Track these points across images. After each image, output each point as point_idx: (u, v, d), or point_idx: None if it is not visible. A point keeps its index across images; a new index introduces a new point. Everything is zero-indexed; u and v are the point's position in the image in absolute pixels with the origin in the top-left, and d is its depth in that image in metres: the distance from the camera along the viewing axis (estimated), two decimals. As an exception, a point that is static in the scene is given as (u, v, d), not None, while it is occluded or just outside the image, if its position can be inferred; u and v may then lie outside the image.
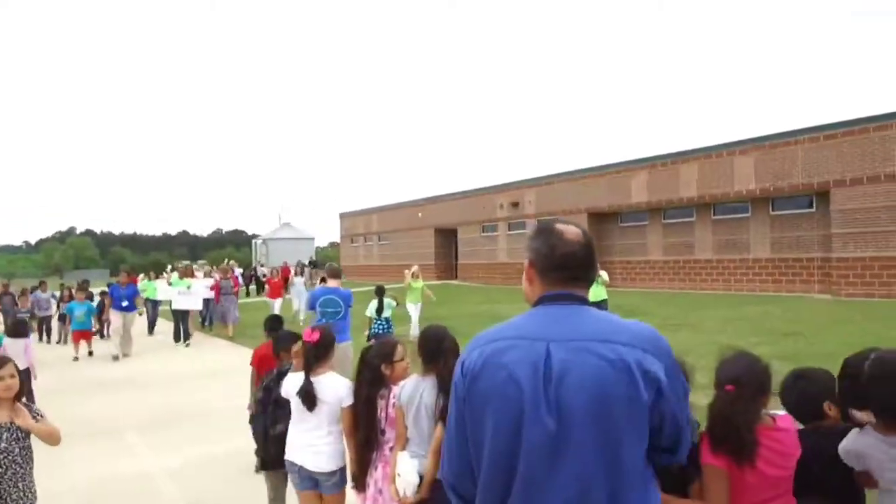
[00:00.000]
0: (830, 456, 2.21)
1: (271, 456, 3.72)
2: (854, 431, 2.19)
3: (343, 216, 45.72)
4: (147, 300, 15.93)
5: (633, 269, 25.03)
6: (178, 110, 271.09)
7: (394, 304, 10.63)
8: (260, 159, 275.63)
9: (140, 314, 13.43)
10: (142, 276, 19.82)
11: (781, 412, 2.27)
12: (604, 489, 1.45)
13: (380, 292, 10.27)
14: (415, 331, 11.82)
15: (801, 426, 2.33)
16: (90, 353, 12.58)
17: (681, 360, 2.44)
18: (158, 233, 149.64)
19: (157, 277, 17.95)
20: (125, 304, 12.68)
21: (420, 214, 36.34)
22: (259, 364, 5.03)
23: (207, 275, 19.49)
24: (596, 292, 11.68)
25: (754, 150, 20.11)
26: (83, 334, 12.71)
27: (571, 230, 1.66)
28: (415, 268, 13.42)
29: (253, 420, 4.16)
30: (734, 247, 21.52)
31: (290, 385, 3.46)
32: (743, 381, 2.11)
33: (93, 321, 13.46)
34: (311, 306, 7.18)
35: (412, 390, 3.07)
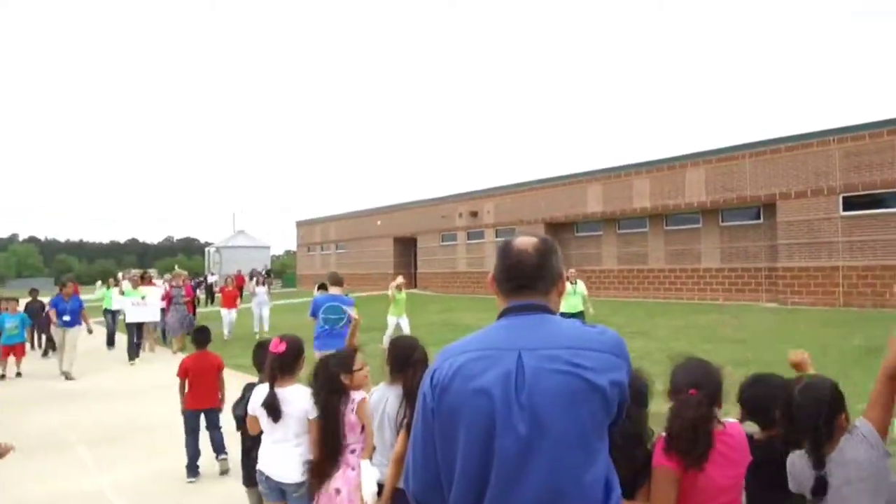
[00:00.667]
0: (779, 465, 2.29)
1: (250, 476, 3.72)
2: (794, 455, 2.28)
3: (300, 224, 45.22)
4: (105, 311, 15.03)
5: (589, 277, 25.39)
6: (128, 115, 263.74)
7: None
8: (214, 166, 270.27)
9: (90, 332, 11.97)
10: (99, 283, 18.99)
11: (731, 419, 2.33)
12: (572, 490, 1.47)
13: (323, 287, 11.02)
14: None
15: (755, 431, 2.43)
16: (18, 374, 11.21)
17: (640, 370, 2.52)
18: (106, 240, 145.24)
19: (116, 285, 16.51)
20: (66, 318, 11.38)
21: (379, 223, 36.22)
22: (184, 375, 5.22)
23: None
24: (572, 303, 11.56)
25: (705, 164, 20.78)
26: (13, 349, 11.33)
27: (523, 241, 1.68)
28: (399, 280, 12.91)
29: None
30: (685, 256, 22.13)
31: (256, 397, 3.42)
32: (703, 385, 2.18)
33: (26, 334, 12.07)
34: (314, 313, 7.33)
35: (377, 399, 3.08)
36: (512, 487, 1.47)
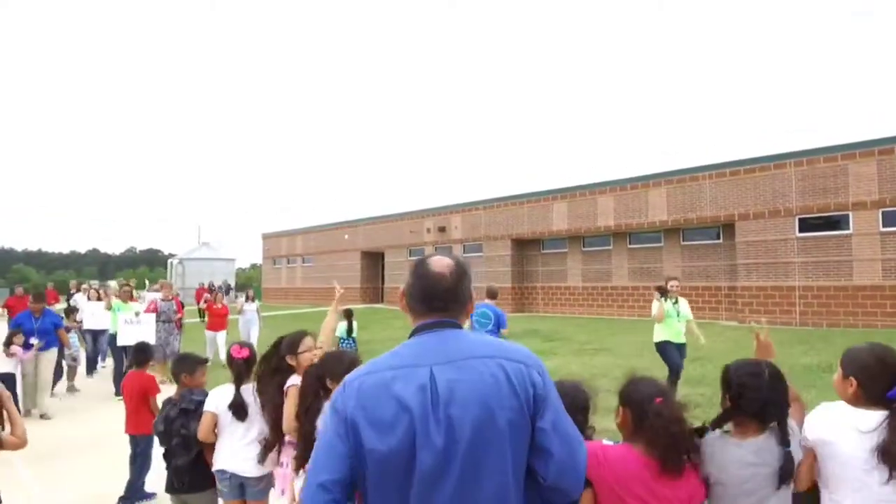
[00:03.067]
0: None
1: (180, 484, 3.80)
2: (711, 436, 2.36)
3: (266, 237, 44.70)
4: (84, 331, 12.43)
5: (554, 294, 25.68)
6: (91, 122, 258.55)
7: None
8: (179, 176, 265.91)
9: (70, 361, 9.97)
10: (75, 293, 16.80)
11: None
12: (485, 497, 1.51)
13: (349, 315, 11.27)
14: None
15: None
16: None
17: (581, 384, 2.56)
18: (66, 250, 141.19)
19: (98, 298, 13.77)
20: (34, 341, 8.62)
21: (346, 237, 36.02)
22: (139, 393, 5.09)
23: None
24: (675, 329, 8.92)
25: (667, 184, 21.22)
26: None
27: (440, 262, 1.73)
28: None
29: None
30: (648, 274, 22.48)
31: (219, 399, 3.64)
32: (668, 397, 2.29)
33: None
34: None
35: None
36: (431, 496, 1.50)
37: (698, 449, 2.28)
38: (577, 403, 2.37)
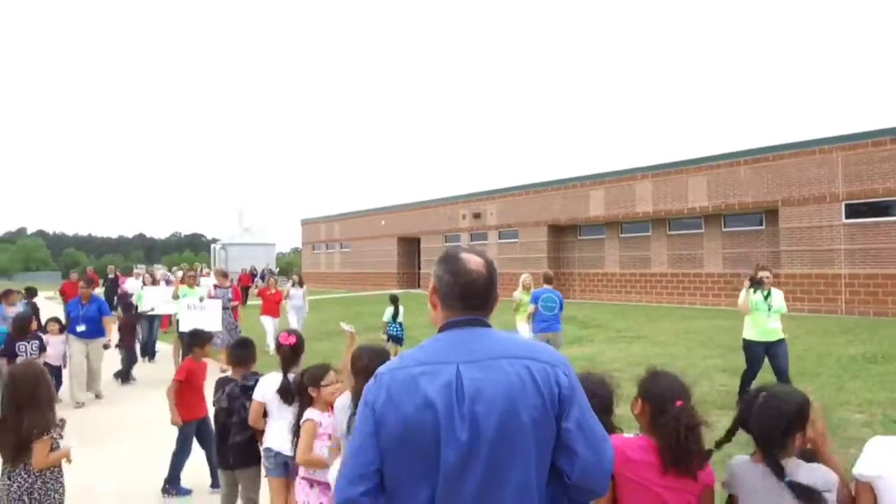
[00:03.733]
0: None
1: (235, 459, 4.08)
2: (737, 457, 2.35)
3: (305, 223, 45.36)
4: (142, 317, 12.22)
5: (591, 281, 25.51)
6: (135, 111, 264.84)
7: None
8: (221, 163, 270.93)
9: (106, 347, 9.19)
10: (133, 278, 16.22)
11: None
12: (507, 494, 1.55)
13: (395, 300, 11.45)
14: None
15: None
16: None
17: (605, 379, 2.61)
18: (114, 235, 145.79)
19: (153, 282, 13.79)
20: (81, 328, 8.65)
21: (383, 222, 36.33)
22: (188, 378, 5.03)
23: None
24: (768, 327, 7.75)
25: (707, 169, 20.79)
26: None
27: (474, 259, 1.74)
28: (525, 276, 10.59)
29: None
30: (688, 261, 22.15)
31: (266, 387, 3.84)
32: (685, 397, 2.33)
33: None
34: (534, 301, 9.35)
35: (341, 405, 3.24)
36: (454, 494, 1.54)
37: (708, 455, 2.29)
38: (604, 404, 2.42)
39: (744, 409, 2.31)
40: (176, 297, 11.22)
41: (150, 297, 12.42)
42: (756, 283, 7.58)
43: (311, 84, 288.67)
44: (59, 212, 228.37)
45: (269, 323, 12.80)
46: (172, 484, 5.19)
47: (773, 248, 19.64)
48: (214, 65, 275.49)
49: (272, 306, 12.97)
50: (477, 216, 29.76)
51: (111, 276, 20.20)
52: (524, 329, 10.11)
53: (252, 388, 3.98)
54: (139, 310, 12.25)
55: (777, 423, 2.18)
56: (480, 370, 1.58)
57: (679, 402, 2.28)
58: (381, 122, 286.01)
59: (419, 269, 34.53)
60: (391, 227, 35.78)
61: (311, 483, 3.34)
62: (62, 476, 3.40)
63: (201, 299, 10.75)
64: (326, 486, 3.30)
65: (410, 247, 35.42)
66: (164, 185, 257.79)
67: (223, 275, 12.65)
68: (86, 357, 8.79)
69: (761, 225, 20.24)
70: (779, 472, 2.14)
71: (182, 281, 12.00)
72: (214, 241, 68.08)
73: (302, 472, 3.39)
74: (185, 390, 5.01)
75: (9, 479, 3.22)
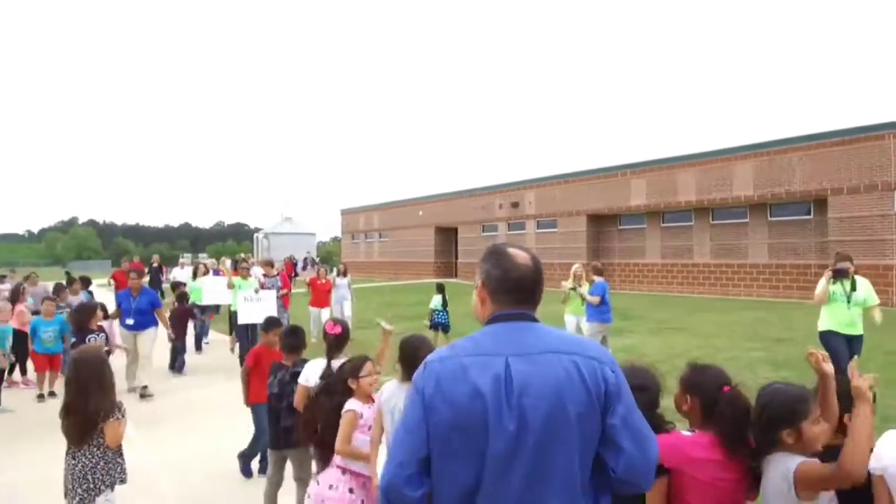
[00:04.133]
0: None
1: (285, 441, 4.24)
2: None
3: (344, 212, 45.88)
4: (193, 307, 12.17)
5: (632, 271, 25.19)
6: (182, 103, 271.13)
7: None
8: (263, 154, 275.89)
9: (172, 340, 9.51)
10: (181, 268, 17.38)
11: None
12: (554, 484, 1.59)
13: (441, 289, 11.83)
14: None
15: None
16: (52, 394, 8.43)
17: (651, 372, 2.62)
18: (161, 224, 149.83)
19: (206, 272, 13.60)
20: (129, 321, 8.67)
21: (421, 212, 36.50)
22: (257, 364, 5.12)
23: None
24: (848, 317, 7.47)
25: (753, 157, 20.26)
26: (51, 361, 8.63)
27: (522, 255, 1.80)
28: (577, 266, 10.04)
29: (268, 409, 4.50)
30: (732, 252, 21.67)
31: (310, 373, 3.99)
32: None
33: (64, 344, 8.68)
34: (601, 292, 9.34)
35: (387, 396, 3.31)
36: (502, 483, 1.59)
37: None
38: (652, 399, 2.43)
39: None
40: (231, 286, 11.11)
41: (208, 289, 12.39)
42: (840, 274, 7.16)
43: (352, 76, 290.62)
44: (110, 202, 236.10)
45: (317, 313, 12.54)
46: (244, 460, 5.45)
47: (821, 238, 19.07)
48: (260, 60, 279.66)
49: (322, 296, 12.74)
50: (515, 205, 29.64)
51: (155, 265, 20.60)
52: (571, 322, 9.89)
53: (300, 371, 4.18)
54: (198, 302, 12.26)
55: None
56: (529, 363, 1.62)
57: (727, 388, 2.32)
58: (421, 112, 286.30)
59: (456, 258, 34.61)
60: (429, 217, 35.92)
61: (344, 470, 3.39)
62: (122, 455, 3.57)
63: (256, 291, 10.59)
64: (358, 475, 3.36)
65: (447, 236, 35.51)
66: (209, 175, 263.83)
67: (269, 264, 12.38)
68: (133, 347, 8.69)
69: (809, 214, 19.65)
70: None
71: (235, 272, 11.86)
72: (257, 230, 69.50)
73: (338, 460, 3.42)
74: (254, 375, 5.14)
75: (73, 458, 3.40)
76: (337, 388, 3.59)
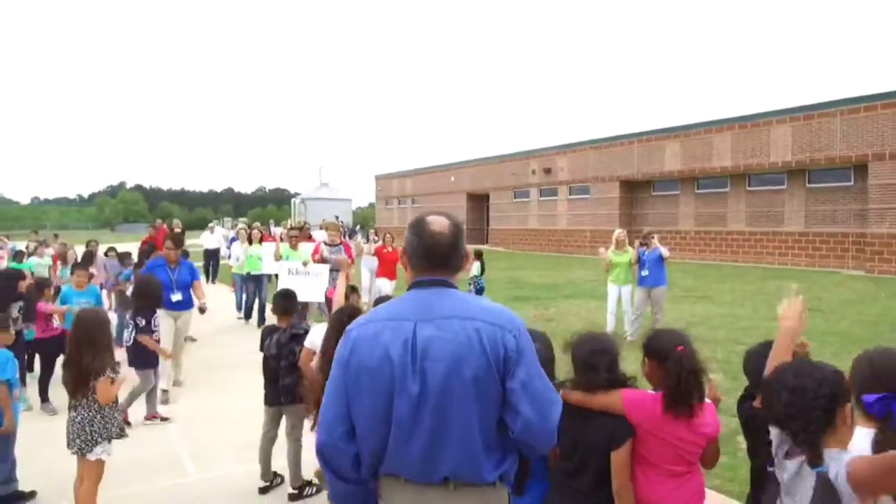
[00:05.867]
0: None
1: (284, 398, 4.37)
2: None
3: (378, 178, 46.06)
4: (236, 276, 11.19)
5: (665, 239, 24.69)
6: (226, 72, 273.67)
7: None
8: (303, 121, 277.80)
9: (202, 312, 7.12)
10: (213, 230, 16.16)
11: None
12: (457, 447, 1.69)
13: (479, 255, 11.70)
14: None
15: None
16: None
17: (604, 334, 2.66)
18: (205, 189, 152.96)
19: (248, 239, 11.63)
20: (176, 297, 6.81)
21: (453, 178, 36.39)
22: None
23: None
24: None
25: (792, 121, 19.50)
26: None
27: (439, 221, 1.85)
28: (619, 232, 9.52)
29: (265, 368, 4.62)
30: (768, 219, 21.08)
31: (315, 336, 4.02)
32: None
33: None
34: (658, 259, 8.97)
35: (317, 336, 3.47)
36: (405, 442, 1.70)
37: (704, 395, 2.36)
38: (612, 360, 2.44)
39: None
40: (278, 257, 10.02)
41: (267, 258, 10.67)
42: None
43: (389, 44, 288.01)
44: (156, 167, 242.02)
45: (387, 286, 10.99)
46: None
47: (860, 205, 18.37)
48: (302, 33, 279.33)
49: (391, 266, 11.02)
50: (547, 171, 29.29)
51: (177, 230, 17.40)
52: (613, 291, 9.29)
53: (300, 336, 4.33)
54: (253, 271, 10.88)
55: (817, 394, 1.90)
56: (434, 329, 1.70)
57: (680, 348, 2.35)
58: (455, 78, 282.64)
59: (487, 224, 34.53)
60: (460, 183, 35.81)
61: None
62: (118, 411, 3.81)
63: (305, 263, 9.07)
64: None
65: (479, 202, 35.40)
66: (252, 142, 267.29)
67: (335, 228, 10.08)
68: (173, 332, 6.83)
69: (850, 181, 18.90)
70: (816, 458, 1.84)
71: (284, 239, 10.74)
72: (296, 195, 70.33)
73: None
74: None
75: (74, 411, 3.65)
76: (337, 330, 3.63)
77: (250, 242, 11.38)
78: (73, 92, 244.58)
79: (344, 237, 11.21)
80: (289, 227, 14.17)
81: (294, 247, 10.27)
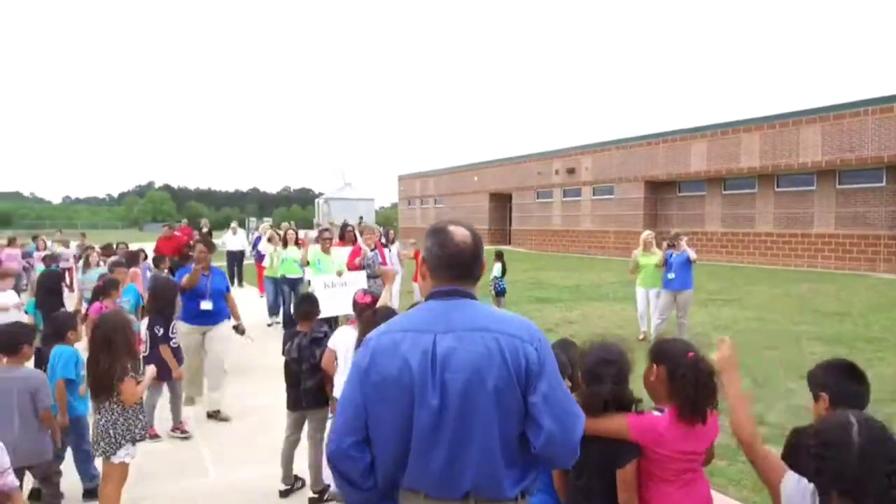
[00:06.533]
0: None
1: (307, 401, 4.40)
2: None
3: (401, 178, 46.15)
4: (282, 279, 10.15)
5: (691, 239, 24.33)
6: (251, 74, 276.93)
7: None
8: (327, 121, 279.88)
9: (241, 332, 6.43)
10: (234, 228, 14.87)
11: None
12: (477, 460, 1.67)
13: (500, 256, 11.71)
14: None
15: None
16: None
17: (615, 344, 2.56)
18: (231, 189, 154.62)
19: (282, 242, 10.86)
20: (206, 305, 5.98)
21: (476, 178, 36.31)
22: None
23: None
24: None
25: (822, 121, 19.09)
26: None
27: (461, 232, 1.83)
28: (647, 234, 9.34)
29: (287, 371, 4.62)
30: (796, 221, 20.67)
31: (338, 339, 4.15)
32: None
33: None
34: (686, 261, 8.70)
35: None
36: (425, 455, 1.69)
37: (717, 401, 2.31)
38: (623, 374, 2.40)
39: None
40: (306, 262, 9.27)
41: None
42: None
43: (411, 45, 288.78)
44: (184, 167, 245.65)
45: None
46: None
47: (893, 207, 17.93)
48: (326, 33, 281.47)
49: None
50: (570, 171, 29.06)
51: (205, 229, 17.24)
52: (642, 294, 9.21)
53: (320, 339, 4.35)
54: (288, 275, 10.21)
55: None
56: (454, 340, 1.69)
57: (690, 354, 2.32)
58: (476, 77, 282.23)
59: (510, 225, 34.38)
60: (483, 183, 35.71)
61: None
62: (142, 413, 3.84)
63: (340, 273, 8.28)
64: None
65: (502, 202, 35.26)
66: (277, 142, 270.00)
67: (371, 232, 9.58)
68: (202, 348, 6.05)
69: (882, 182, 18.44)
70: None
71: (315, 242, 9.80)
72: (320, 195, 70.80)
73: None
74: None
75: (98, 413, 3.69)
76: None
77: (285, 245, 10.63)
78: (104, 93, 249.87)
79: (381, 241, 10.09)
80: (321, 226, 12.77)
81: (326, 250, 9.09)
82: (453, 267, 1.80)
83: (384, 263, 8.97)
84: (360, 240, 9.53)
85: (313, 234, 14.27)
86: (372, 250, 9.01)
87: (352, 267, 8.58)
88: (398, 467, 1.73)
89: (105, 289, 5.95)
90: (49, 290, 7.19)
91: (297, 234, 11.31)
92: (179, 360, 5.58)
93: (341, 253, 9.11)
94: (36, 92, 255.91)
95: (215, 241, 9.54)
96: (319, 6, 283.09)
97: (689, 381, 2.25)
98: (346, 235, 9.98)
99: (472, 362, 1.65)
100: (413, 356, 1.69)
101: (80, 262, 10.28)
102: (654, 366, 2.42)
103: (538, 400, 1.66)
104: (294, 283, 10.14)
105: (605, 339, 2.56)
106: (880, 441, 1.56)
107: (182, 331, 5.82)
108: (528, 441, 1.70)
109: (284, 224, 15.85)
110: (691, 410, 2.24)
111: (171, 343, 5.49)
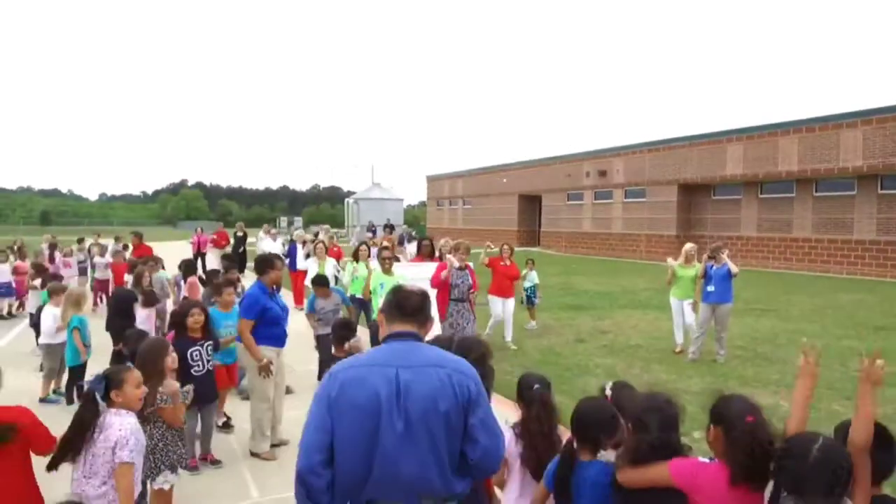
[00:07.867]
0: None
1: None
2: None
3: (430, 179, 46.20)
4: (351, 298, 8.54)
5: (725, 245, 23.93)
6: (282, 73, 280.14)
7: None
8: (358, 120, 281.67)
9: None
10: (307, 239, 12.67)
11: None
12: (435, 470, 2.05)
13: (532, 263, 11.72)
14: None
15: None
16: (227, 425, 5.92)
17: (663, 395, 2.54)
18: (261, 187, 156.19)
19: (366, 255, 9.27)
20: (286, 325, 5.42)
21: (505, 180, 36.15)
22: None
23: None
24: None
25: (864, 124, 18.57)
26: (228, 372, 5.86)
27: (414, 287, 2.41)
28: (690, 246, 9.31)
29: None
30: (836, 226, 20.15)
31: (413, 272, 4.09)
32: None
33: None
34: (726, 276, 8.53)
35: None
36: (390, 469, 2.02)
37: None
38: (669, 422, 2.38)
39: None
40: (367, 296, 7.93)
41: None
42: None
43: (441, 44, 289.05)
44: (216, 165, 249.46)
45: (499, 306, 9.18)
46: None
47: (940, 213, 17.37)
48: (356, 33, 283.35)
49: (507, 283, 9.25)
50: (602, 174, 28.75)
51: (239, 234, 16.80)
52: (677, 306, 9.07)
53: None
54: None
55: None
56: (413, 374, 2.07)
57: (750, 418, 2.23)
58: (508, 78, 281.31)
59: (539, 227, 34.17)
60: (513, 185, 35.55)
61: None
62: (182, 439, 3.87)
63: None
64: None
65: (531, 204, 35.07)
66: (307, 140, 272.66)
67: (467, 250, 8.15)
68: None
69: (927, 187, 17.89)
70: None
71: (355, 255, 9.16)
72: (350, 193, 71.19)
73: None
74: None
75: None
76: None
77: (356, 259, 9.29)
78: (140, 92, 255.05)
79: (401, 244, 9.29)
80: (380, 243, 10.82)
81: (387, 271, 7.68)
82: (403, 307, 2.24)
83: (474, 287, 7.92)
84: (448, 258, 8.09)
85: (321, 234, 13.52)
86: (463, 269, 7.83)
87: (437, 284, 7.56)
88: (358, 481, 2.04)
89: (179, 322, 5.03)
90: (118, 311, 6.90)
91: (336, 244, 10.38)
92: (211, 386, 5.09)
93: (408, 272, 7.79)
94: (74, 91, 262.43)
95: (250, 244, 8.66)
96: (354, 6, 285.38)
97: (744, 447, 2.17)
98: (422, 248, 9.01)
99: (430, 392, 2.03)
100: (382, 387, 2.03)
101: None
102: (712, 426, 2.35)
103: (476, 422, 2.09)
104: (366, 305, 8.39)
105: (652, 390, 2.57)
106: (835, 453, 1.97)
107: (269, 355, 5.16)
108: (466, 455, 2.10)
109: (322, 234, 14.36)
110: (744, 476, 2.16)
111: (193, 371, 4.83)
